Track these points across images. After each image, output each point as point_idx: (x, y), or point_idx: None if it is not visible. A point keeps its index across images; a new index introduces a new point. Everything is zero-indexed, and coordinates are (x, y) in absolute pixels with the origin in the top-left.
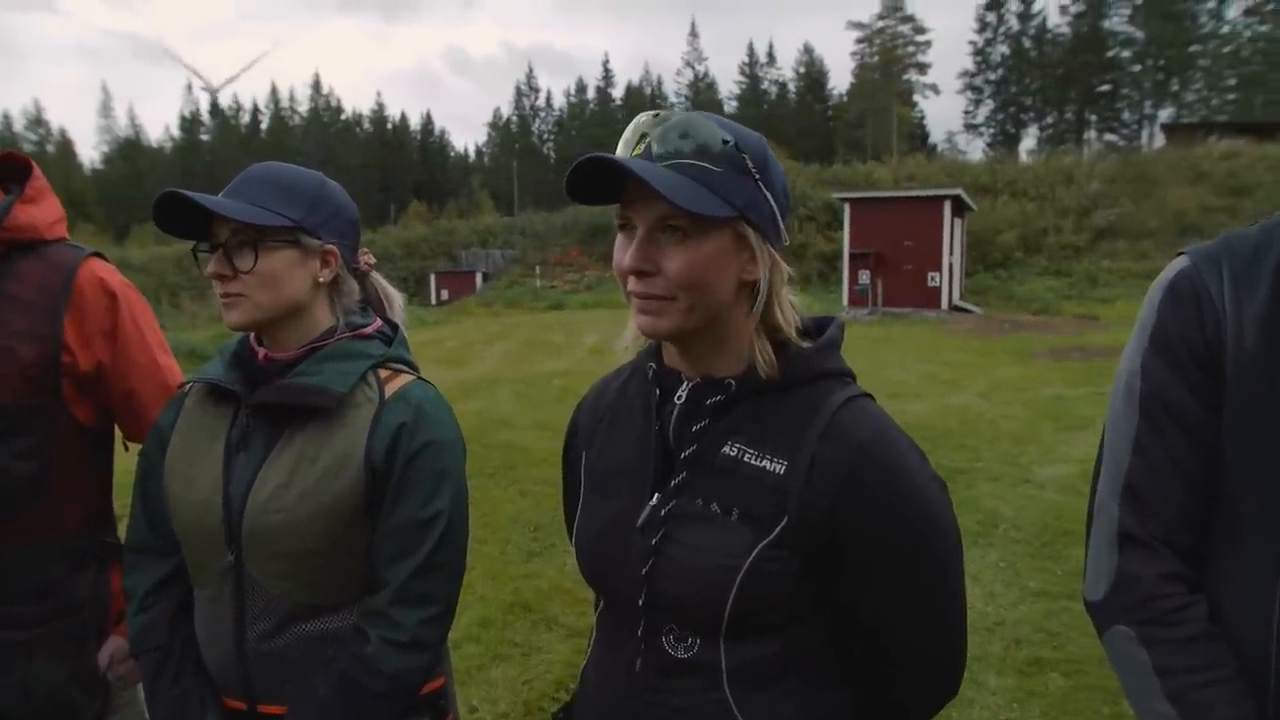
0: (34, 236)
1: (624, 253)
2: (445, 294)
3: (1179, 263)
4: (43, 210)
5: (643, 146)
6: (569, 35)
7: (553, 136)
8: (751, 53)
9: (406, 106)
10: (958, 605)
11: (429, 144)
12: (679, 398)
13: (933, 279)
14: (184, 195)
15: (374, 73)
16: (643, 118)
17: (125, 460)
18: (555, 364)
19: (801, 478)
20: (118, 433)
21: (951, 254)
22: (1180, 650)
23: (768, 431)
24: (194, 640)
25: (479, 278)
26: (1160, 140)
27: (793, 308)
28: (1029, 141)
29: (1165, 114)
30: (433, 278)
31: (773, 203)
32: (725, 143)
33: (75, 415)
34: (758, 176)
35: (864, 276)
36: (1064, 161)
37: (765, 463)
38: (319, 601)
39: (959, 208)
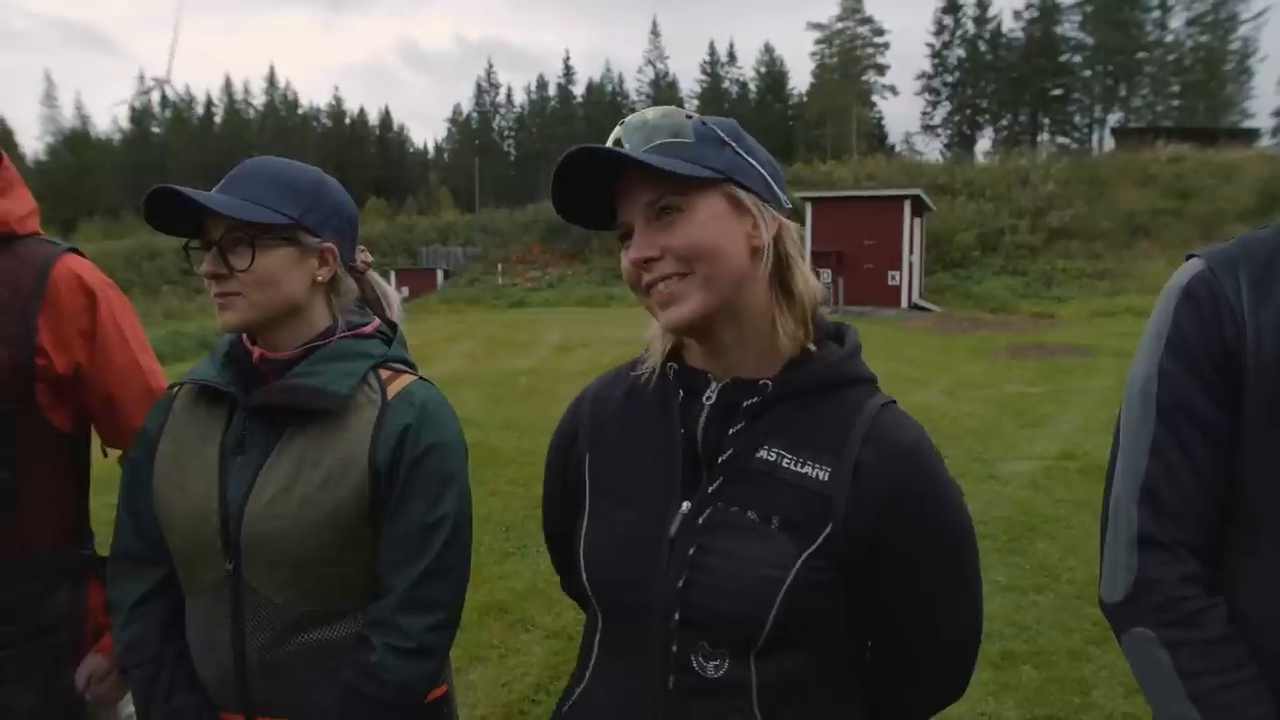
0: (5, 231)
1: (629, 257)
2: (406, 291)
3: (1193, 266)
4: (13, 202)
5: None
6: (523, 30)
7: (513, 133)
8: (712, 52)
9: (359, 100)
10: (980, 608)
11: (388, 139)
12: (708, 399)
13: (893, 278)
14: (178, 191)
15: (324, 65)
16: (615, 129)
17: (101, 465)
18: (520, 362)
19: (847, 484)
20: (94, 438)
21: (911, 253)
22: (1202, 652)
23: (806, 436)
24: (186, 652)
25: (440, 275)
26: (1110, 143)
27: (813, 278)
28: (984, 143)
29: (1114, 118)
30: (393, 275)
31: (759, 167)
32: (690, 118)
33: (50, 421)
34: (733, 144)
35: (825, 275)
36: (1019, 163)
37: (807, 468)
38: (320, 610)
39: (918, 208)
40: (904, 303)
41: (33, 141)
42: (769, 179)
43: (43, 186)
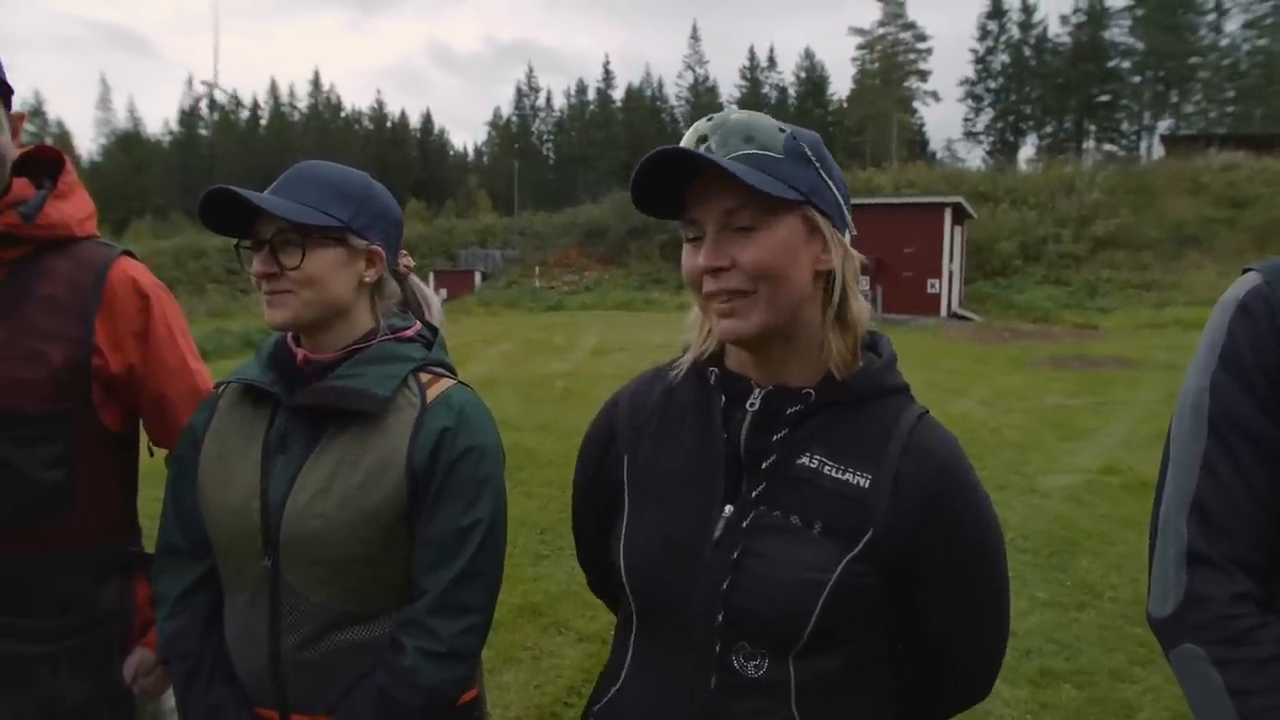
0: (65, 234)
1: (694, 259)
2: (444, 293)
3: (1250, 279)
4: (74, 206)
5: (703, 149)
6: (555, 32)
7: (552, 137)
8: (752, 56)
9: (392, 101)
10: (1008, 610)
11: (428, 142)
12: (751, 405)
13: (932, 286)
14: (234, 192)
15: (356, 67)
16: (699, 122)
17: (148, 463)
18: (557, 365)
19: (886, 492)
20: (143, 437)
21: (951, 261)
22: (1255, 671)
23: (847, 444)
24: (225, 647)
25: (478, 277)
26: (1159, 151)
27: (865, 305)
28: (1028, 150)
29: (1164, 125)
30: (431, 276)
31: (835, 191)
32: (782, 132)
33: (103, 420)
34: (818, 165)
35: (863, 283)
36: (1064, 170)
37: (847, 475)
38: (356, 609)
39: (959, 215)
40: (943, 311)
41: (89, 144)
42: (842, 202)
43: (97, 187)
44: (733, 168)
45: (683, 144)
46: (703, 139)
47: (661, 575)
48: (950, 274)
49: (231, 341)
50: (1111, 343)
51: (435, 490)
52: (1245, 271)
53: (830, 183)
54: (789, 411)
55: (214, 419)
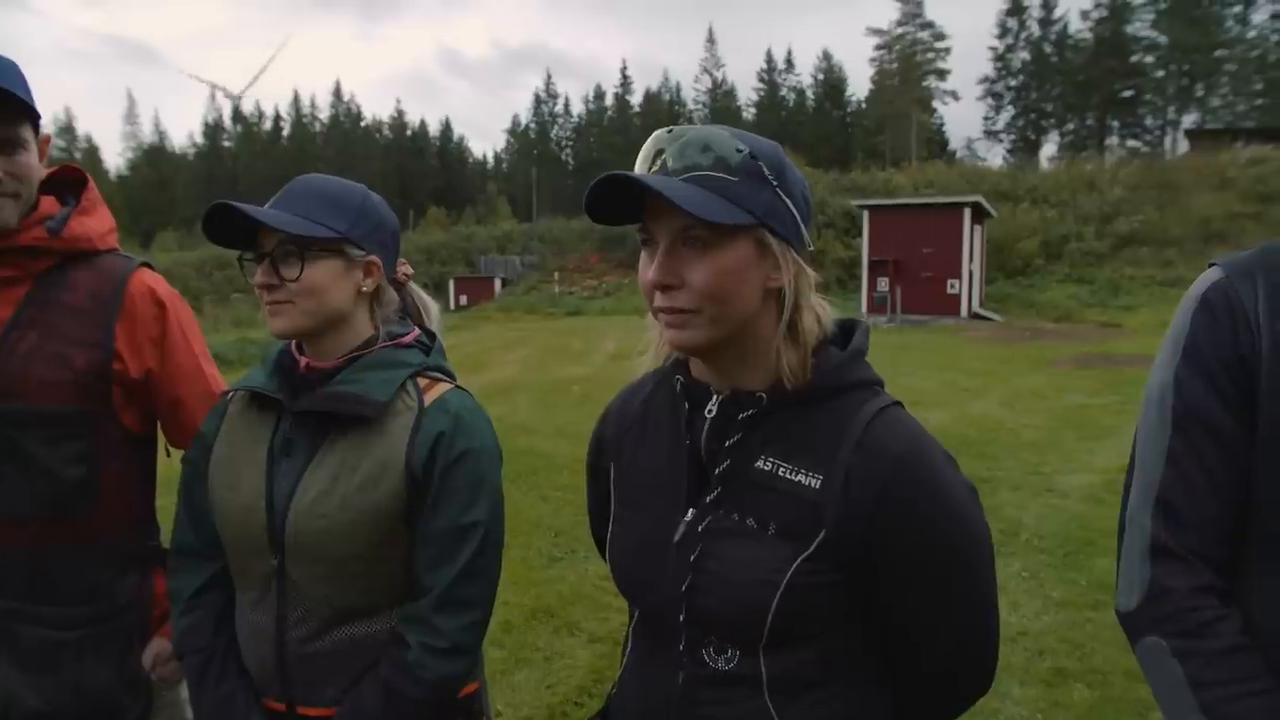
0: (88, 247)
1: (648, 268)
2: (464, 299)
3: (1211, 274)
4: (96, 221)
5: (659, 162)
6: (563, 35)
7: (571, 143)
8: (770, 59)
9: (405, 109)
10: (990, 611)
11: (447, 150)
12: (709, 411)
13: (952, 286)
14: (234, 207)
15: (365, 76)
16: (659, 134)
17: (165, 466)
18: (575, 370)
19: (837, 491)
20: (160, 438)
21: (971, 261)
22: (1214, 663)
23: (801, 444)
24: (237, 643)
25: (497, 283)
26: (1184, 146)
27: (824, 311)
28: (1049, 148)
29: (1189, 120)
30: (451, 283)
31: (793, 209)
32: (739, 152)
33: (123, 421)
34: (775, 183)
35: (882, 284)
36: (1086, 168)
37: (801, 476)
38: (359, 605)
39: (979, 215)
40: (964, 312)
41: (116, 158)
42: (799, 220)
43: (125, 200)
44: (680, 197)
45: (642, 154)
46: (659, 152)
47: (638, 576)
48: (970, 274)
49: (255, 351)
50: (1136, 341)
51: (434, 492)
52: (1210, 266)
53: (787, 201)
54: (741, 416)
55: (222, 425)
